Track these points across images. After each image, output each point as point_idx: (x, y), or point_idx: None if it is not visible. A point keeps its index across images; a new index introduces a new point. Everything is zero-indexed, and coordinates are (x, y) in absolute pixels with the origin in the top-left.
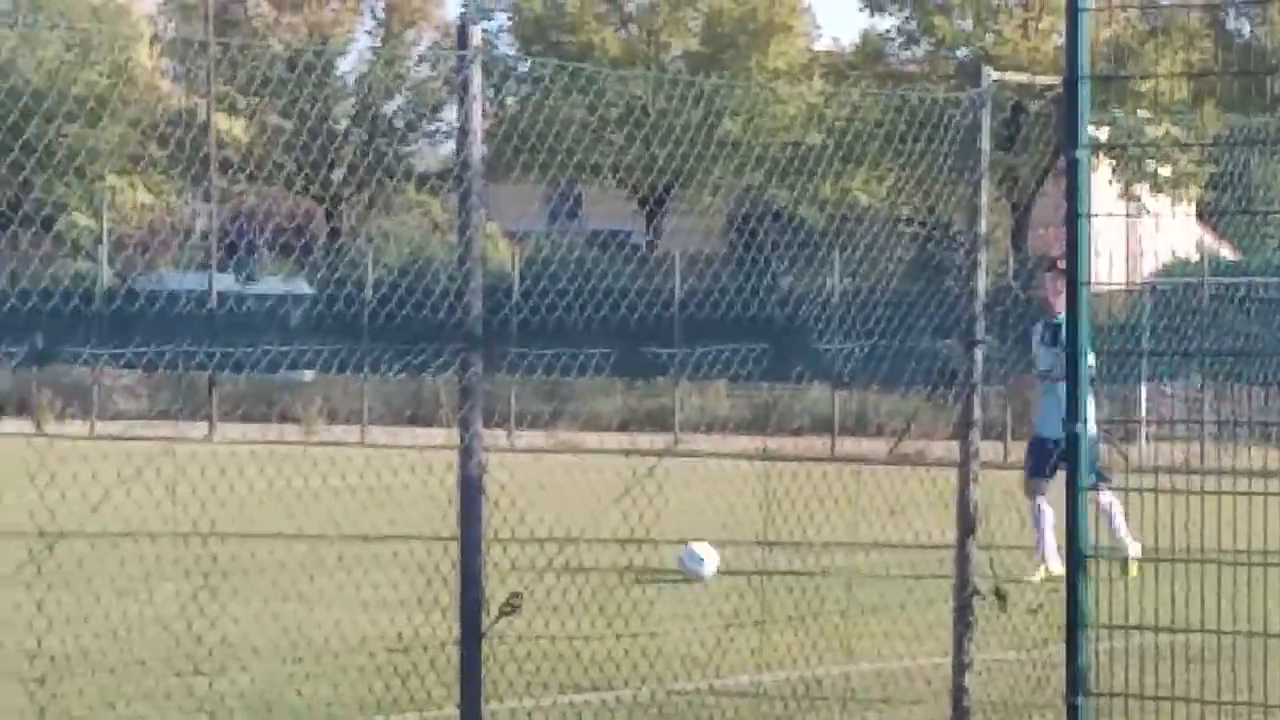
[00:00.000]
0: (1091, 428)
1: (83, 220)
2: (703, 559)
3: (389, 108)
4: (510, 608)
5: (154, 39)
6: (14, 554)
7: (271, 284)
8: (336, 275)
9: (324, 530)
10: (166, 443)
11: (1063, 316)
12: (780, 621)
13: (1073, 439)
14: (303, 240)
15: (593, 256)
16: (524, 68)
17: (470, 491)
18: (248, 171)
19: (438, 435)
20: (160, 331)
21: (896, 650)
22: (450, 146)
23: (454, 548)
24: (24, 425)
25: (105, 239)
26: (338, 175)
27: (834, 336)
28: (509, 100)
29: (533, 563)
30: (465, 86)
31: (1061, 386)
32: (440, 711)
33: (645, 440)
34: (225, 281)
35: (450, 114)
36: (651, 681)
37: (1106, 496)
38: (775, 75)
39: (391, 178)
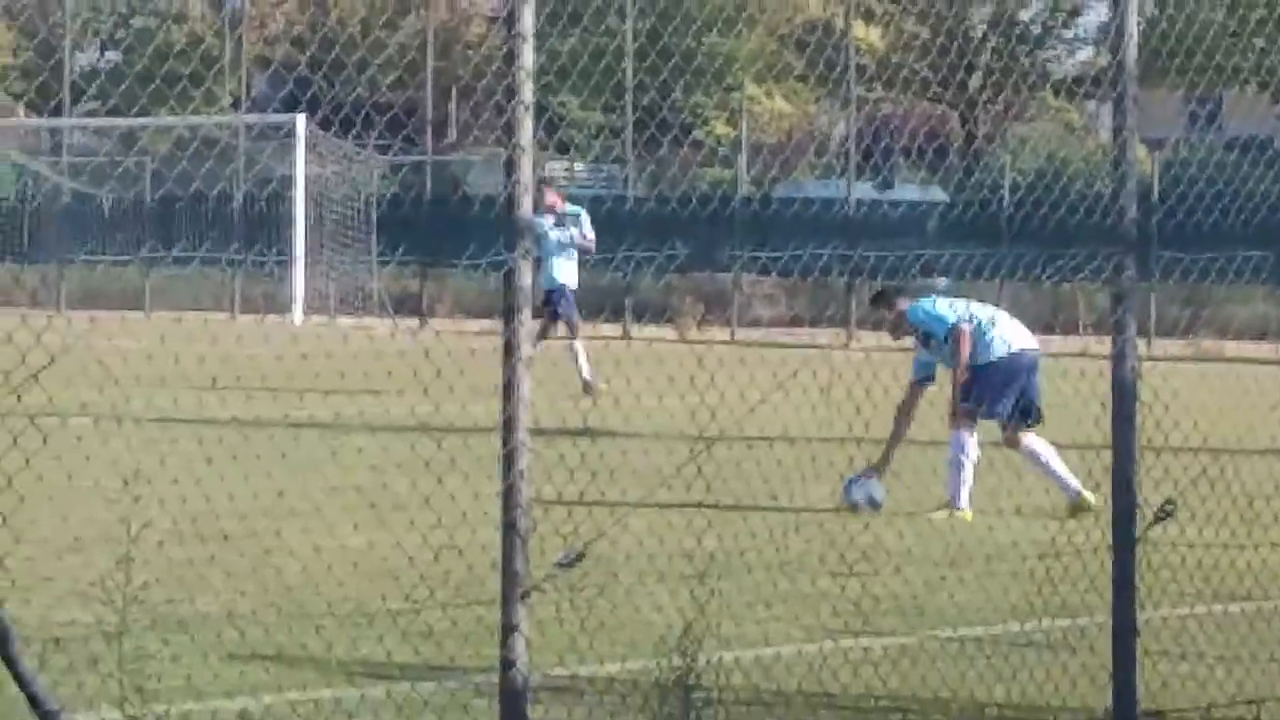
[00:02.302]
0: None
1: (720, 128)
2: None
3: (1026, 13)
4: (1164, 514)
5: None
6: (675, 455)
7: (908, 191)
8: (973, 181)
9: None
10: (819, 350)
11: None
12: None
13: None
14: (938, 146)
15: (1232, 161)
16: None
17: (1124, 397)
18: (884, 79)
19: (1073, 343)
20: (798, 238)
21: None
22: (1086, 53)
23: (1105, 454)
24: (664, 332)
25: (743, 146)
26: (974, 81)
27: None
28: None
29: (1186, 470)
30: None
31: None
32: (1091, 619)
33: None
34: (862, 189)
35: (1089, 19)
36: None
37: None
38: None
39: (1028, 83)
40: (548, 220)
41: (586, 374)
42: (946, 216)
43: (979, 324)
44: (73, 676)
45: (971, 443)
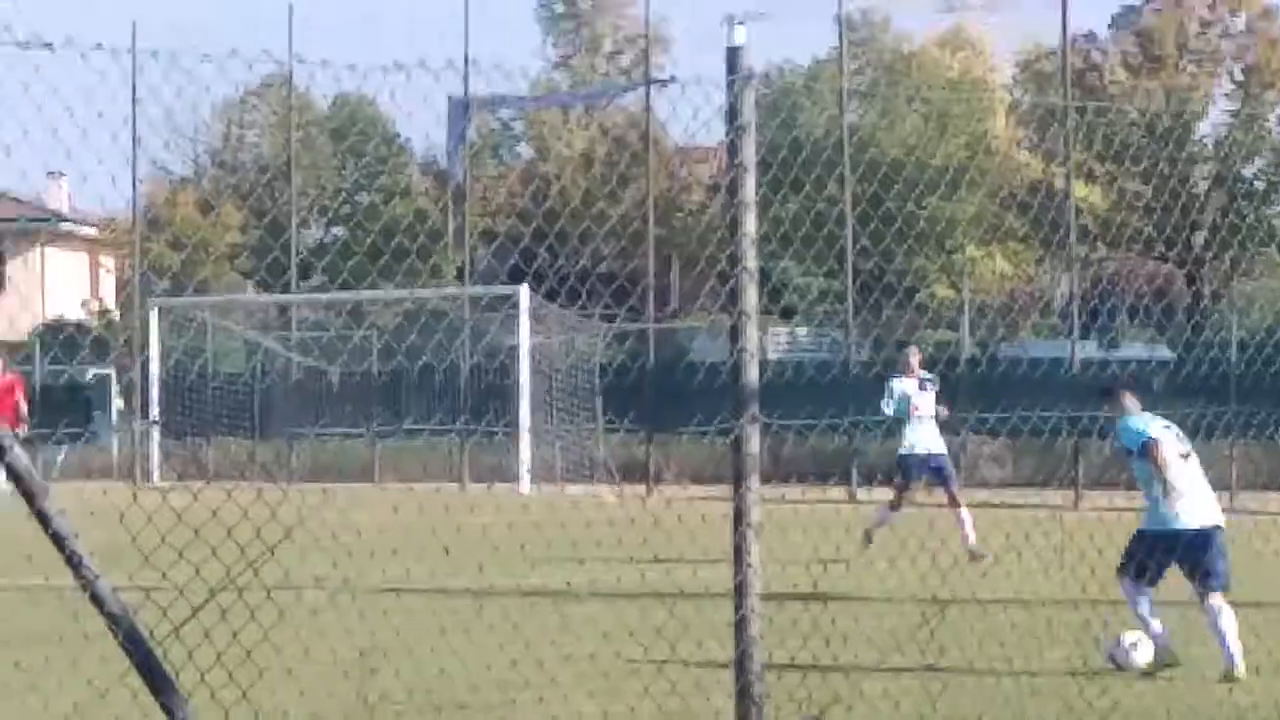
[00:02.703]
0: None
1: (942, 290)
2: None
3: (1249, 169)
4: None
5: (1011, 108)
6: (907, 618)
7: (1134, 349)
8: (1201, 339)
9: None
10: (1049, 510)
11: None
12: None
13: None
14: (1164, 304)
15: None
16: None
17: None
18: (1107, 238)
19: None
20: (1023, 398)
21: None
22: None
23: None
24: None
25: (966, 308)
26: (1198, 239)
27: None
28: None
29: None
30: None
31: None
32: None
33: None
34: (1087, 348)
35: None
36: None
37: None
38: None
39: (1253, 240)
40: (911, 384)
41: (972, 542)
42: (1174, 375)
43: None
44: None
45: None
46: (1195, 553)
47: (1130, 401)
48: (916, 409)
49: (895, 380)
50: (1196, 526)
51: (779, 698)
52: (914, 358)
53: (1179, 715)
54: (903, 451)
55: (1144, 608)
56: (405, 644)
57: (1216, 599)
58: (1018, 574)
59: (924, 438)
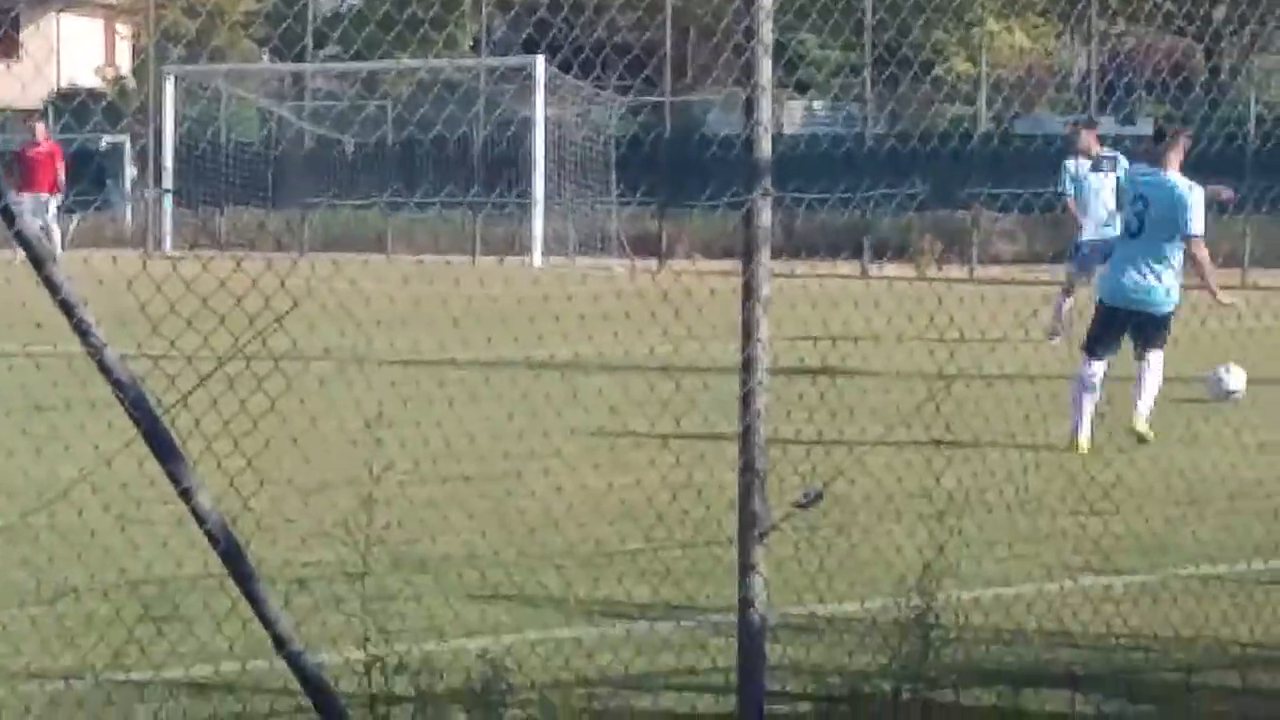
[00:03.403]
0: None
1: (960, 65)
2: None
3: None
4: None
5: None
6: (914, 394)
7: (1150, 124)
8: (1218, 114)
9: (1207, 373)
10: (1059, 287)
11: None
12: None
13: None
14: (1181, 79)
15: None
16: None
17: None
18: (1127, 13)
19: None
20: (1038, 174)
21: None
22: None
23: None
24: (904, 270)
25: (984, 82)
26: (1218, 13)
27: None
28: None
29: None
30: None
31: None
32: None
33: None
34: (1105, 123)
35: None
36: None
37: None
38: None
39: (1273, 14)
40: (1084, 164)
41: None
42: (1191, 149)
43: None
44: (316, 616)
45: None
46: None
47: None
48: (1095, 192)
49: (1069, 160)
50: None
51: (783, 470)
52: (1087, 135)
53: (1180, 488)
54: (1076, 239)
55: None
56: (411, 415)
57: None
58: (1024, 349)
59: (1097, 225)
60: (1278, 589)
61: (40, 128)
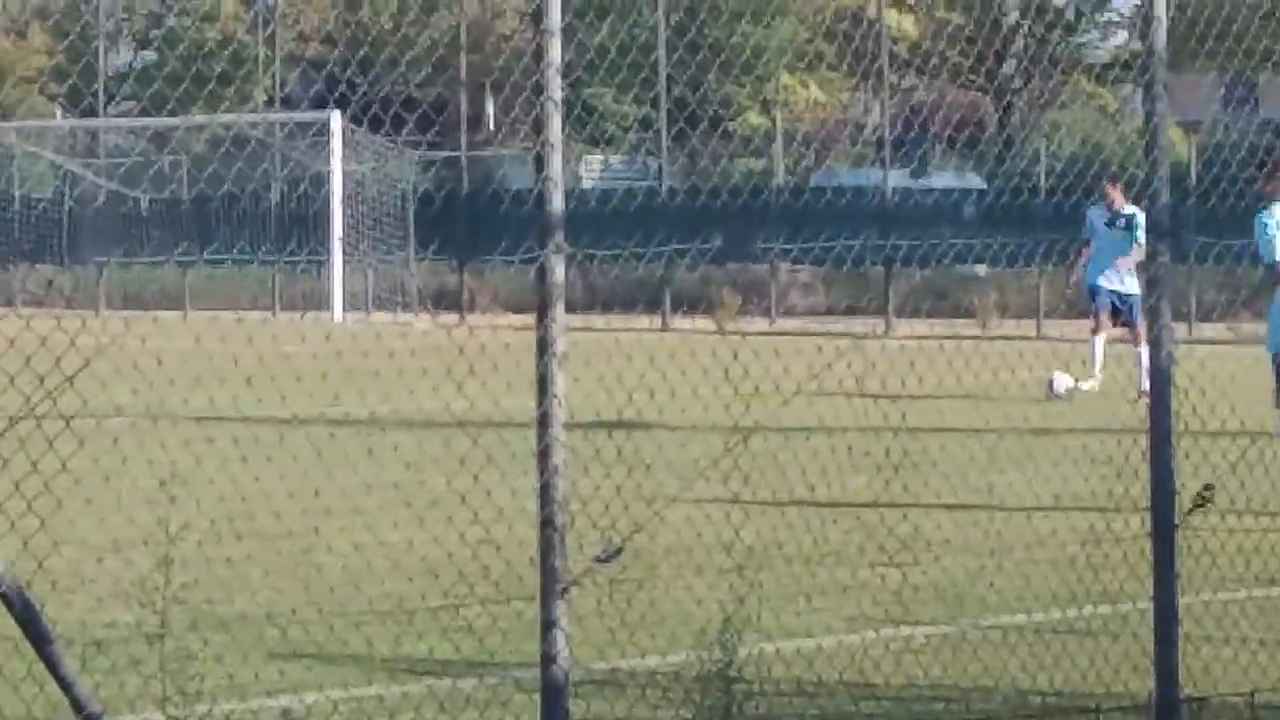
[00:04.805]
0: None
1: (754, 118)
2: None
3: None
4: (1203, 499)
5: None
6: (713, 447)
7: (944, 178)
8: (1007, 168)
9: (1005, 424)
10: (851, 339)
11: None
12: None
13: None
14: (973, 133)
15: (1266, 143)
16: None
17: (1160, 383)
18: (918, 66)
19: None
20: (835, 227)
21: None
22: (1121, 37)
23: (1143, 440)
24: (704, 323)
25: (778, 135)
26: (1008, 68)
27: None
28: None
29: (1225, 454)
30: None
31: None
32: (1133, 605)
33: None
34: (898, 176)
35: (1122, 2)
36: None
37: None
38: None
39: (1062, 69)
40: (1100, 215)
41: (1145, 384)
42: (982, 204)
43: None
44: (115, 678)
45: None
46: None
47: None
48: (1097, 242)
49: (1090, 210)
50: None
51: (582, 526)
52: (1111, 189)
53: (976, 542)
54: (1090, 282)
55: None
56: (206, 473)
57: None
58: (820, 402)
59: (1104, 271)
60: (1075, 638)
61: None
